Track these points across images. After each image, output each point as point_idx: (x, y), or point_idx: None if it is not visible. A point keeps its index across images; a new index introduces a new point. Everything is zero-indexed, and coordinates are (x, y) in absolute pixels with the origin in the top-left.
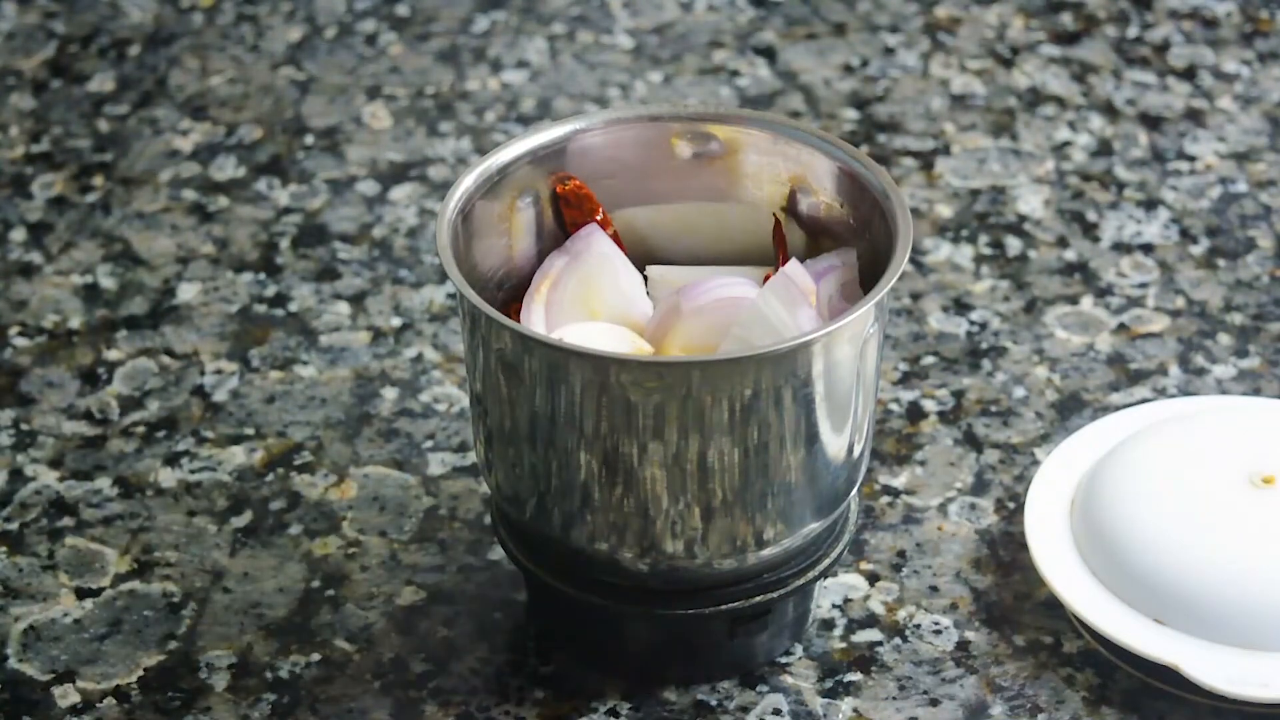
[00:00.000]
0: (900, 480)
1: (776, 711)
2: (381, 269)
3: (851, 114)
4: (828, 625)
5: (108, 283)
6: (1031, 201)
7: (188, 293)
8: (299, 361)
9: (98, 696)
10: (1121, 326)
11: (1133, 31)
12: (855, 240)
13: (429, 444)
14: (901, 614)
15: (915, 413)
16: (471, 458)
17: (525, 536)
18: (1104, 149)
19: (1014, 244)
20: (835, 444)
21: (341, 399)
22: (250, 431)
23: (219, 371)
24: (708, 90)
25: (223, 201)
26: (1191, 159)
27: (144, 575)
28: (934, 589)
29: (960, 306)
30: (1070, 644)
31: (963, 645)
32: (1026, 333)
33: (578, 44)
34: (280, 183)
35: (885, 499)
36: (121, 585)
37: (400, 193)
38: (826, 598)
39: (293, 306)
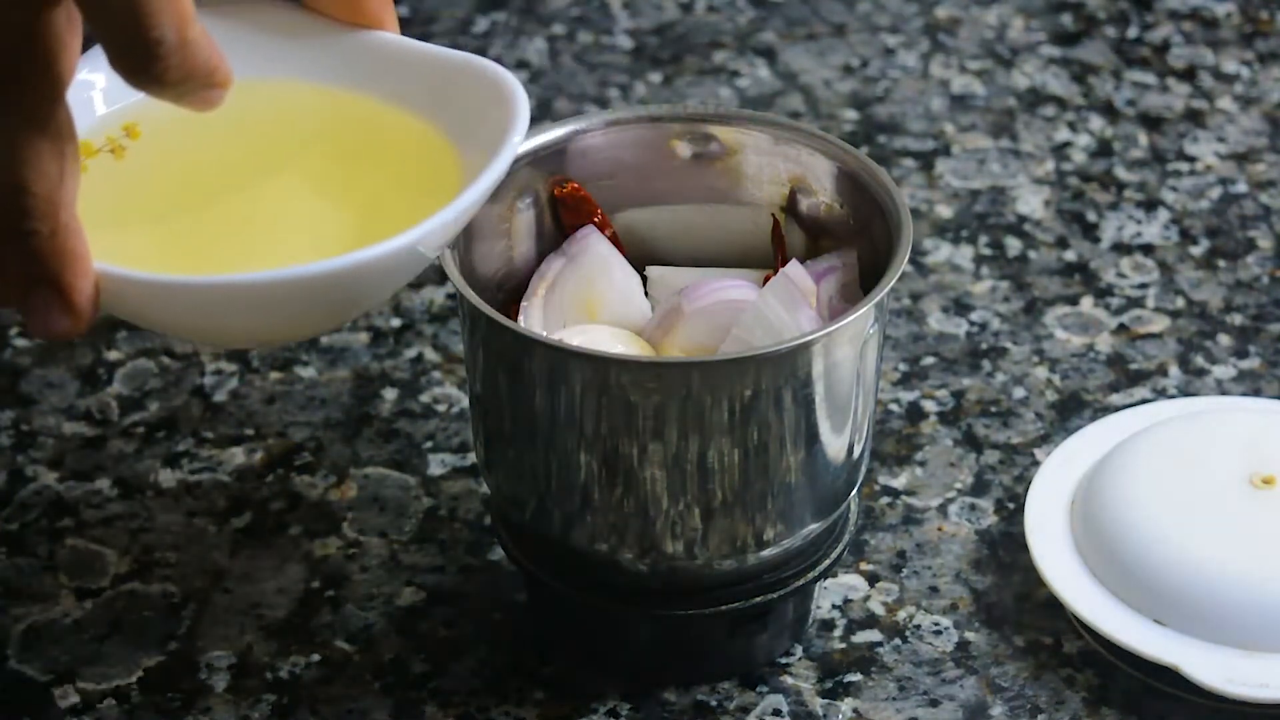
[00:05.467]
0: (900, 481)
1: (776, 712)
2: None
3: (851, 114)
4: (828, 626)
5: None
6: (1031, 202)
7: None
8: (299, 362)
9: (98, 697)
10: (1121, 327)
11: (1133, 32)
12: (855, 241)
13: (429, 444)
14: (901, 615)
15: (915, 413)
16: (471, 458)
17: (525, 537)
18: (1104, 149)
19: (1014, 244)
20: (835, 444)
21: (341, 399)
22: (250, 432)
23: (219, 372)
24: (708, 91)
25: None
26: (1191, 159)
27: (144, 576)
28: (934, 589)
29: (960, 307)
30: (1070, 644)
31: (963, 646)
32: (1026, 333)
33: (578, 44)
34: None
35: (885, 499)
36: (121, 586)
37: None
38: (826, 598)
39: None
